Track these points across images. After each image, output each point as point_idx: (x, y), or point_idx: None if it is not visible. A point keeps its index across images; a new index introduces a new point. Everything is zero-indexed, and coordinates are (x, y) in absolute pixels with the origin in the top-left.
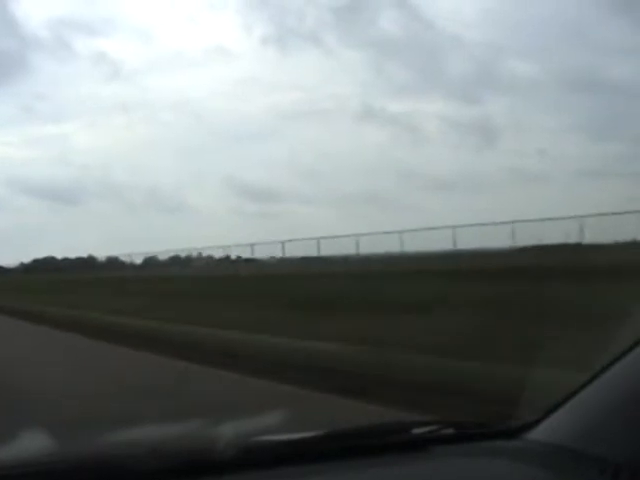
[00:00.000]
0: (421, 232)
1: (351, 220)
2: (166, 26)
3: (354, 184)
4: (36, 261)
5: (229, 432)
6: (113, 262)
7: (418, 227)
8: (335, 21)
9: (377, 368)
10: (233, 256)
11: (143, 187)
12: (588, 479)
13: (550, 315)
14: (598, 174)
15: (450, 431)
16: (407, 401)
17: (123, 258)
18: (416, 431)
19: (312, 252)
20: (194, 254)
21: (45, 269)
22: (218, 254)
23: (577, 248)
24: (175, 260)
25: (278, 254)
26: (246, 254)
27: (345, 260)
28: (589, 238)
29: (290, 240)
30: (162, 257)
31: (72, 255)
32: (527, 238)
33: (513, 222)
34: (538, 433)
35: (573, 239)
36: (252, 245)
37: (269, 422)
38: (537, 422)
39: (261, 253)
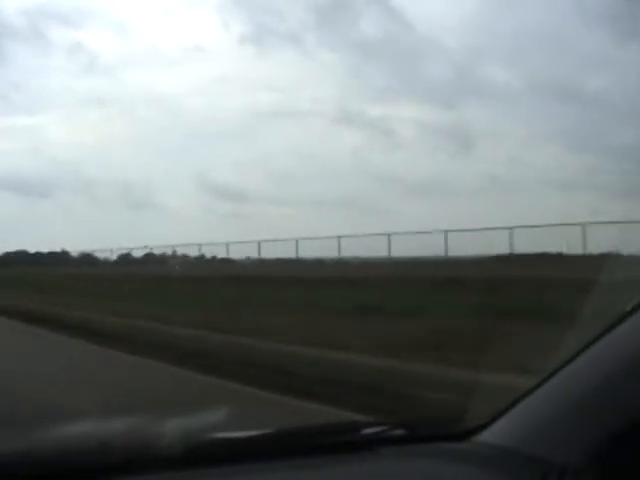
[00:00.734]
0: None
1: (327, 222)
2: (143, 21)
3: (329, 187)
4: (8, 254)
5: (176, 428)
6: (86, 258)
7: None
8: (315, 22)
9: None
10: (208, 255)
11: (116, 183)
12: None
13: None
14: (567, 185)
15: (400, 432)
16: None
17: (97, 254)
18: (366, 431)
19: (290, 253)
20: (169, 252)
21: (15, 262)
22: (193, 252)
23: (499, 259)
24: (150, 258)
25: (254, 254)
26: (222, 253)
27: (320, 263)
28: (520, 248)
29: (266, 240)
30: (137, 253)
31: (45, 249)
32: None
33: (446, 231)
34: (487, 436)
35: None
36: (227, 244)
37: (218, 419)
38: (486, 425)
39: (238, 252)
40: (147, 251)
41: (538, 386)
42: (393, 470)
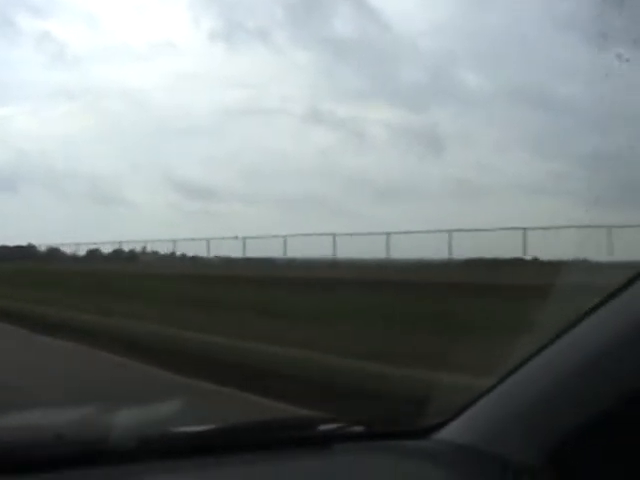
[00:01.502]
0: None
1: (290, 221)
2: (114, 15)
3: (297, 186)
4: None
5: (130, 420)
6: (54, 252)
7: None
8: (287, 20)
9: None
10: (179, 252)
11: (84, 177)
12: (490, 479)
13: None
14: (535, 190)
15: (358, 429)
16: None
17: (64, 249)
18: (323, 427)
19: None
20: (137, 248)
21: None
22: (163, 248)
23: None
24: (118, 254)
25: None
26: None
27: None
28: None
29: (216, 238)
30: (104, 249)
31: (11, 243)
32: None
33: (388, 233)
34: (446, 433)
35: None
36: (174, 241)
37: (172, 411)
38: (445, 423)
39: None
40: (115, 247)
41: (497, 384)
42: (350, 467)
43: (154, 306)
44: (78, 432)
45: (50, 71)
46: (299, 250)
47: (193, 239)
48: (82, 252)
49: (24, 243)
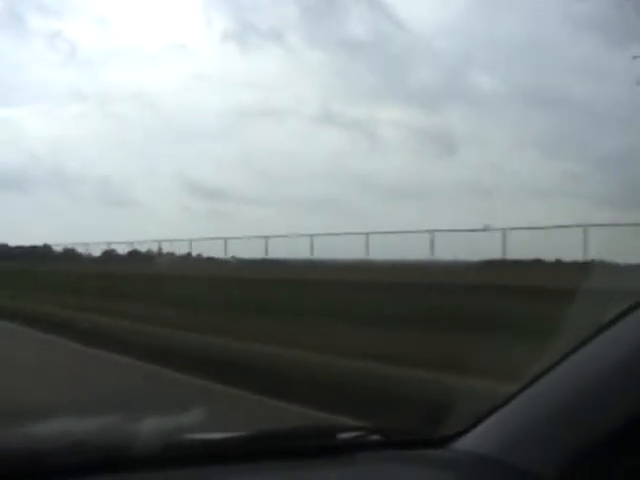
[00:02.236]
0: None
1: (304, 223)
2: (126, 16)
3: (309, 187)
4: None
5: (151, 428)
6: (70, 253)
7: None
8: (300, 20)
9: None
10: (194, 253)
11: (95, 178)
12: None
13: None
14: (548, 192)
15: (377, 438)
16: None
17: (79, 249)
18: (342, 436)
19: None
20: (154, 248)
21: None
22: (177, 249)
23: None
24: (135, 255)
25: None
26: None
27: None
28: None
29: (235, 237)
30: (119, 249)
31: (26, 243)
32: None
33: (367, 233)
34: (465, 443)
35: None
36: (190, 241)
37: (194, 419)
38: (464, 432)
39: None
40: (130, 247)
41: (517, 394)
42: (369, 476)
43: (219, 315)
44: (100, 439)
45: (62, 73)
46: (323, 250)
47: (209, 239)
48: (97, 253)
49: (39, 243)
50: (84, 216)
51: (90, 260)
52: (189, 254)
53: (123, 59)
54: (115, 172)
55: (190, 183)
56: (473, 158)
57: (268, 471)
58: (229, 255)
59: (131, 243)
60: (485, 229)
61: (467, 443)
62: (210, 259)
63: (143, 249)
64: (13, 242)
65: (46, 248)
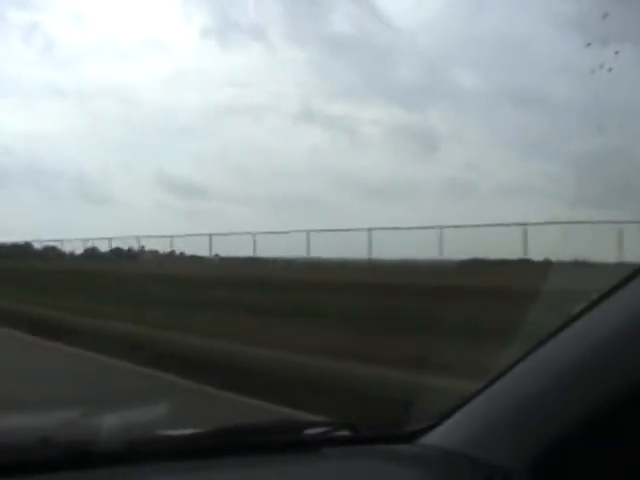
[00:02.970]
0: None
1: (284, 221)
2: (103, 12)
3: (288, 185)
4: None
5: (115, 424)
6: (51, 251)
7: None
8: (280, 16)
9: None
10: (161, 250)
11: (73, 175)
12: None
13: None
14: (522, 191)
15: (344, 433)
16: None
17: (59, 246)
18: (309, 431)
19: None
20: (135, 245)
21: None
22: (159, 246)
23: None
24: (117, 252)
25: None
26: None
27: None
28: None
29: (220, 234)
30: (101, 246)
31: (6, 240)
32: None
33: (308, 231)
34: (432, 438)
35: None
36: (171, 237)
37: (159, 414)
38: (432, 427)
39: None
40: (114, 246)
41: (484, 388)
42: (336, 471)
43: (236, 320)
44: (64, 435)
45: (39, 68)
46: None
47: (188, 235)
48: (78, 250)
49: (17, 240)
50: (62, 213)
51: (72, 258)
52: (172, 252)
53: (102, 55)
54: (94, 169)
55: (169, 180)
56: (453, 156)
57: (234, 467)
58: (212, 253)
59: (110, 240)
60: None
61: (435, 438)
62: (194, 257)
63: (125, 245)
64: None
65: (27, 246)
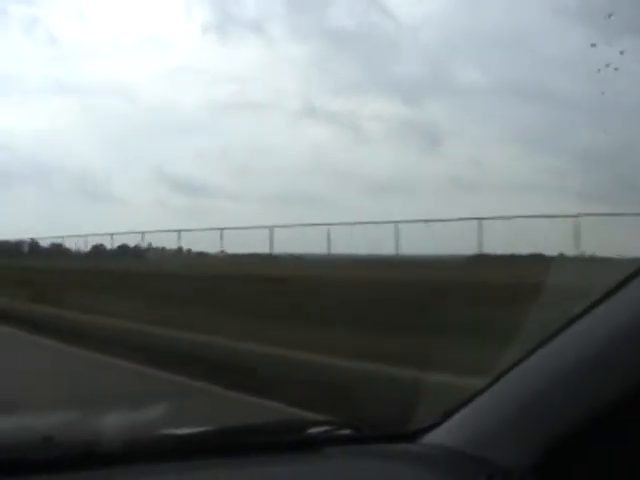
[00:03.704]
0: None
1: (287, 218)
2: (103, 8)
3: (290, 181)
4: None
5: (117, 424)
6: (57, 248)
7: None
8: (281, 11)
9: None
10: (160, 245)
11: (74, 172)
12: None
13: None
14: (528, 186)
15: (346, 432)
16: None
17: (67, 243)
18: (311, 431)
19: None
20: (141, 243)
21: None
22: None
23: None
24: (124, 249)
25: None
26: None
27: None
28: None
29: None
30: (105, 242)
31: (10, 238)
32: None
33: (271, 227)
34: (435, 437)
35: None
36: (180, 231)
37: (161, 414)
38: (435, 426)
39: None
40: (120, 242)
41: (487, 387)
42: (339, 470)
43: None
44: (66, 435)
45: (40, 65)
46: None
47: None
48: (83, 246)
49: (22, 238)
50: (63, 210)
51: (80, 256)
52: (180, 249)
53: (102, 52)
54: (95, 166)
55: (171, 177)
56: (456, 151)
57: (236, 466)
58: (219, 249)
59: (116, 236)
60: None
61: (438, 437)
62: (202, 254)
63: (129, 241)
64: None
65: (33, 243)
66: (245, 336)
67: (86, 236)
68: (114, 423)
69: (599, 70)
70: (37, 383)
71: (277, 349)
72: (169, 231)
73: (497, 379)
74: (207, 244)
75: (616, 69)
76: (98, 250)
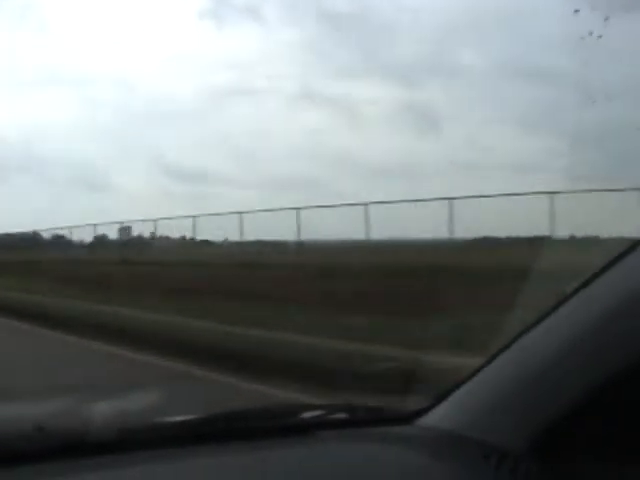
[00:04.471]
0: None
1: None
2: None
3: (289, 167)
4: None
5: (109, 412)
6: (59, 240)
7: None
8: None
9: None
10: (162, 233)
11: (71, 164)
12: (473, 465)
13: None
14: (526, 167)
15: (341, 416)
16: None
17: (69, 235)
18: (306, 415)
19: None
20: (146, 233)
21: None
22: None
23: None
24: (127, 239)
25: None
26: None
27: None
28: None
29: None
30: (108, 232)
31: (12, 231)
32: None
33: (240, 213)
34: (430, 419)
35: None
36: (194, 217)
37: (153, 400)
38: (430, 408)
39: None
40: (124, 232)
41: (482, 367)
42: (333, 454)
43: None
44: (59, 423)
45: (32, 55)
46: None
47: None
48: (85, 237)
49: (25, 230)
50: (62, 201)
51: (84, 247)
52: (184, 237)
53: (97, 41)
54: (93, 156)
55: (169, 165)
56: (454, 134)
57: (229, 452)
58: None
59: (113, 225)
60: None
61: (433, 419)
62: (204, 242)
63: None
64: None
65: (35, 235)
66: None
67: (88, 226)
68: (106, 411)
69: (582, 38)
70: None
71: None
72: (180, 217)
73: (491, 360)
74: (208, 232)
75: (600, 37)
76: (101, 240)
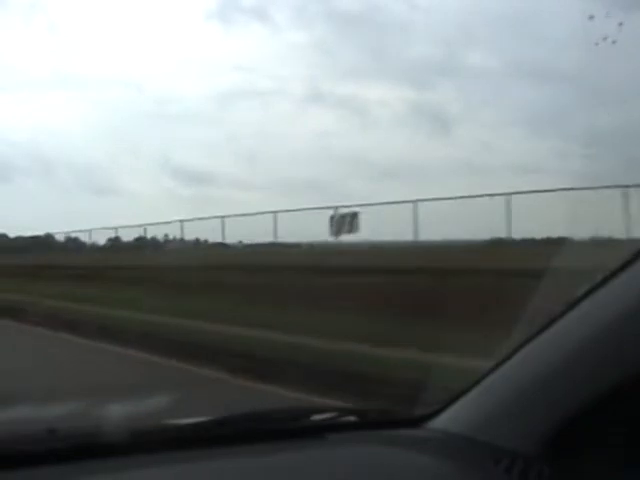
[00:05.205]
0: None
1: (295, 205)
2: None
3: (297, 169)
4: None
5: (122, 414)
6: (73, 242)
7: None
8: None
9: None
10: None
11: (79, 166)
12: (484, 468)
13: None
14: (530, 169)
15: (351, 418)
16: None
17: (83, 237)
18: (315, 417)
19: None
20: (159, 235)
21: None
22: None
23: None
24: (141, 242)
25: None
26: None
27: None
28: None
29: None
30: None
31: (24, 234)
32: None
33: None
34: (440, 422)
35: None
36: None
37: (165, 403)
38: (440, 410)
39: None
40: (137, 234)
41: (491, 372)
42: (343, 457)
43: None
44: (70, 426)
45: (44, 57)
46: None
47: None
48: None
49: (40, 233)
50: (71, 203)
51: (100, 249)
52: (197, 240)
53: (105, 43)
54: (101, 158)
55: (177, 167)
56: (465, 135)
57: (240, 455)
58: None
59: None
60: None
61: (443, 422)
62: (218, 244)
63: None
64: (12, 233)
65: (48, 237)
66: None
67: (98, 230)
68: (118, 414)
69: (597, 44)
70: None
71: None
72: (206, 219)
73: (500, 363)
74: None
75: (614, 42)
76: (116, 243)
